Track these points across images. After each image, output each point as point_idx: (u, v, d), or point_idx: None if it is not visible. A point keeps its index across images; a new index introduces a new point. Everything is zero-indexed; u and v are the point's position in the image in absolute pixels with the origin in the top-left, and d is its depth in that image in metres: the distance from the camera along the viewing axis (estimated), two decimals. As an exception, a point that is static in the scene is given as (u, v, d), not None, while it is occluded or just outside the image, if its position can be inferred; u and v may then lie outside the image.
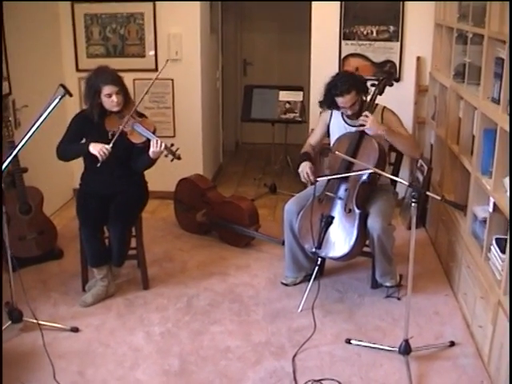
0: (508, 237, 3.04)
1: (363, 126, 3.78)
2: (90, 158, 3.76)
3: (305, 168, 3.93)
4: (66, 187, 5.80)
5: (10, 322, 3.52)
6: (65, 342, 3.50)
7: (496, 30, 3.33)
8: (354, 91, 3.81)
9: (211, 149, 6.48)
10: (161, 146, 3.72)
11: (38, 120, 3.23)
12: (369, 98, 3.97)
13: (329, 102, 3.94)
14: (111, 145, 3.70)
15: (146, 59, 5.59)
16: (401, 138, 3.89)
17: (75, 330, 3.59)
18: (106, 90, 3.73)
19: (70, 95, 3.34)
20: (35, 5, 5.02)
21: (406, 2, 5.26)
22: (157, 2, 5.43)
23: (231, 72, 7.91)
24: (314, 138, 4.21)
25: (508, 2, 3.04)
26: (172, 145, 3.80)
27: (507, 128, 3.03)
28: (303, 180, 3.99)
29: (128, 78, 3.98)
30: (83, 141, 3.90)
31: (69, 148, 3.89)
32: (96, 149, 3.70)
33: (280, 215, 4.95)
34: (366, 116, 3.78)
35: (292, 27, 7.57)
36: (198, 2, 5.49)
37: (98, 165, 3.70)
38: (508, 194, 3.14)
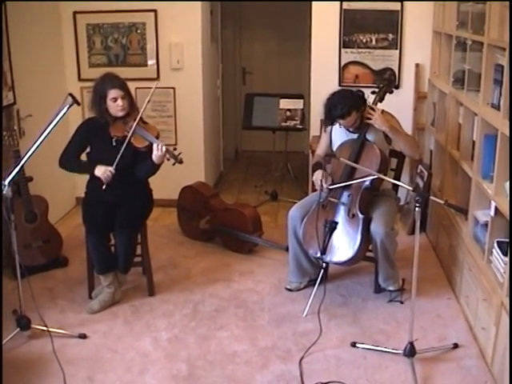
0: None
1: (369, 119, 3.84)
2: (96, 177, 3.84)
3: (318, 175, 3.95)
4: (69, 196, 5.84)
5: (18, 330, 3.55)
6: (73, 348, 3.53)
7: (495, 37, 3.39)
8: (355, 111, 3.83)
9: (212, 156, 6.53)
10: (162, 149, 3.77)
11: (46, 129, 3.28)
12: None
13: (331, 121, 3.97)
14: (114, 166, 3.78)
15: (148, 68, 5.65)
16: (402, 136, 3.96)
17: (83, 336, 3.63)
18: (112, 93, 3.79)
19: (78, 104, 3.40)
20: (38, 15, 5.08)
21: (404, 11, 5.32)
22: (158, 12, 5.48)
23: (230, 80, 7.96)
24: (320, 149, 4.25)
25: (507, 7, 3.09)
26: (175, 149, 3.85)
27: (507, 133, 3.08)
28: (317, 187, 4.00)
29: (130, 87, 4.02)
30: (88, 148, 3.98)
31: (73, 163, 3.98)
32: (100, 172, 3.79)
33: (282, 222, 5.01)
34: (373, 109, 3.85)
35: (291, 35, 7.64)
36: (199, 12, 5.55)
37: (104, 187, 3.78)
38: (509, 198, 3.20)
